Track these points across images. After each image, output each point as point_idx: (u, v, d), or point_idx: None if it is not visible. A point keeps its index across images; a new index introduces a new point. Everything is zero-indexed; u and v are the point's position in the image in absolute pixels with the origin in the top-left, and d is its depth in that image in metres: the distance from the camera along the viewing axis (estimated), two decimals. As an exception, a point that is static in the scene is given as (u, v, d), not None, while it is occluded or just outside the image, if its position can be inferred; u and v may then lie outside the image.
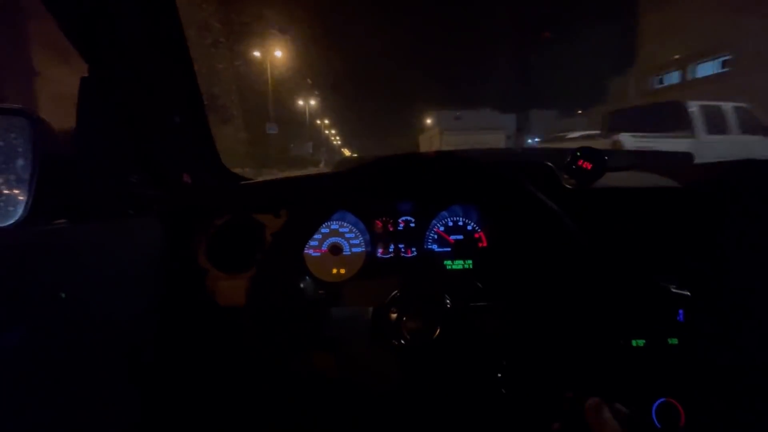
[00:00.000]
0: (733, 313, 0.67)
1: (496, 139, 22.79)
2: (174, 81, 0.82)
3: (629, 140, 4.97)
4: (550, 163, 0.81)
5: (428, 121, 31.91)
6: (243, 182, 1.01)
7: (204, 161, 0.96)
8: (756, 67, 10.13)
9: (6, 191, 0.59)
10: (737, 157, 0.78)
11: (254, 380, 0.75)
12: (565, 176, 0.83)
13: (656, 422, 0.61)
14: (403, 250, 0.87)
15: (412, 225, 0.87)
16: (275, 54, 14.25)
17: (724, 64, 12.59)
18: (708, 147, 4.95)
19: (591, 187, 0.80)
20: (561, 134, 8.67)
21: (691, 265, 0.70)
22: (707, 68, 13.35)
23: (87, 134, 0.68)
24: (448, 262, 0.85)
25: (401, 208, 0.87)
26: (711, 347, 0.67)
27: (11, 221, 0.55)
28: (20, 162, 0.59)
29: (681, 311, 0.68)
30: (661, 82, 15.42)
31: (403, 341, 0.61)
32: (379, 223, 0.87)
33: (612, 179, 0.83)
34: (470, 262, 0.85)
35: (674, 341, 0.68)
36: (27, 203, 0.55)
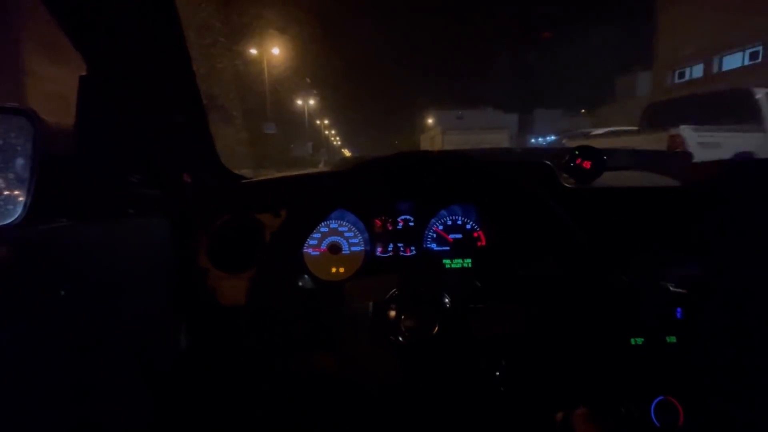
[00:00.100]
0: (732, 311, 0.67)
1: (499, 139, 22.54)
2: (173, 81, 0.82)
3: (691, 135, 4.14)
4: (549, 162, 0.82)
5: (429, 120, 31.89)
6: (243, 182, 1.01)
7: (204, 161, 0.96)
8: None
9: (6, 191, 0.59)
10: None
11: (254, 379, 0.75)
12: (564, 175, 0.83)
13: (655, 420, 0.61)
14: (402, 249, 0.87)
15: (411, 224, 0.87)
16: (274, 53, 14.27)
17: (752, 56, 11.85)
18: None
19: (590, 186, 0.81)
20: (584, 131, 7.65)
21: (689, 264, 0.70)
22: (734, 60, 12.55)
23: (87, 134, 0.68)
24: (447, 261, 0.86)
25: (400, 207, 0.87)
26: (709, 345, 0.68)
27: (10, 221, 0.55)
28: (20, 161, 0.59)
29: (679, 309, 0.68)
30: (681, 76, 14.68)
31: (401, 339, 0.61)
32: (378, 222, 0.87)
33: (611, 178, 0.83)
34: (469, 260, 0.85)
35: (673, 339, 0.68)
36: (26, 203, 0.55)
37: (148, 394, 0.74)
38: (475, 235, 0.86)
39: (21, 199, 0.57)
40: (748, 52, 12.10)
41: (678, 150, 3.89)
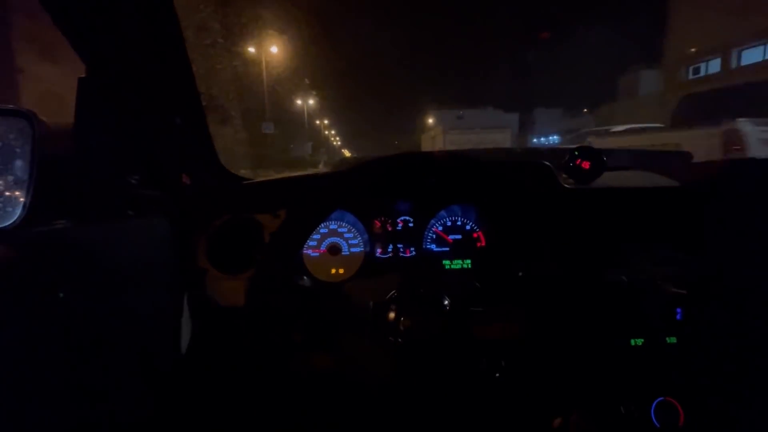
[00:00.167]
0: (732, 311, 0.67)
1: (501, 138, 22.33)
2: (173, 82, 0.82)
3: (752, 130, 3.49)
4: (548, 163, 0.82)
5: (430, 120, 31.87)
6: (242, 182, 1.01)
7: (203, 162, 0.96)
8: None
9: (5, 193, 0.59)
10: None
11: (254, 380, 0.75)
12: (564, 176, 0.83)
13: (655, 421, 0.61)
14: (401, 249, 0.87)
15: (411, 225, 0.87)
16: (273, 54, 14.26)
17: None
18: None
19: (589, 187, 0.81)
20: (602, 128, 6.83)
21: (689, 264, 0.70)
22: (754, 54, 11.54)
23: (86, 135, 0.68)
24: (446, 262, 0.86)
25: (400, 207, 0.87)
26: (709, 346, 0.67)
27: (10, 222, 0.55)
28: (19, 163, 0.59)
29: (679, 310, 0.68)
30: (696, 72, 13.76)
31: (401, 340, 0.61)
32: (377, 223, 0.87)
33: (610, 179, 0.83)
34: (469, 261, 0.85)
35: (673, 340, 0.68)
36: (26, 204, 0.55)
37: (148, 394, 0.74)
38: (475, 235, 0.86)
39: (20, 200, 0.57)
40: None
41: (736, 147, 3.38)
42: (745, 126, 3.53)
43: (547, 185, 0.79)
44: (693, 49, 13.26)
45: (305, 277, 0.85)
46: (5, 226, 0.54)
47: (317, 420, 0.66)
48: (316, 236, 0.87)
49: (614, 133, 6.14)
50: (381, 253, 0.87)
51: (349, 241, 0.87)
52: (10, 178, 0.59)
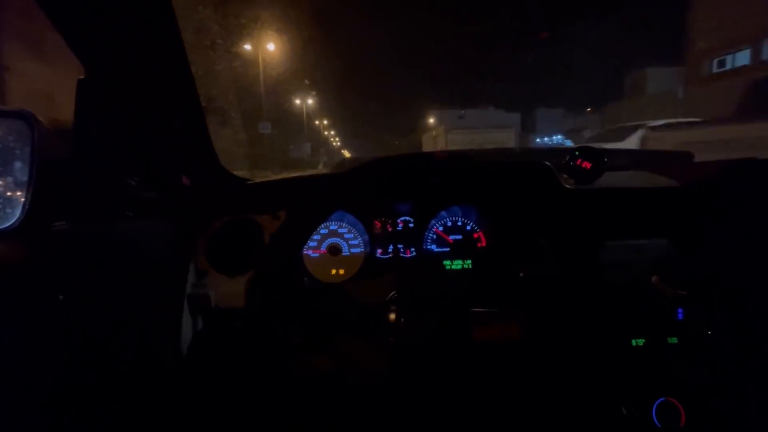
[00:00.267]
0: (732, 311, 0.67)
1: (505, 137, 21.98)
2: (172, 83, 0.82)
3: None
4: (548, 163, 0.82)
5: (431, 120, 31.80)
6: (242, 183, 1.01)
7: (202, 162, 0.96)
8: None
9: (5, 194, 0.59)
10: None
11: (254, 380, 0.75)
12: (565, 176, 0.83)
13: (656, 422, 0.61)
14: (402, 250, 0.87)
15: (411, 225, 0.87)
16: (273, 54, 14.26)
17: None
18: None
19: (590, 187, 0.80)
20: (634, 124, 5.76)
21: (689, 264, 0.70)
22: None
23: (85, 136, 0.68)
24: (447, 262, 0.85)
25: (400, 208, 0.87)
26: (710, 346, 0.67)
27: (10, 224, 0.55)
28: (18, 165, 0.59)
29: (680, 310, 0.68)
30: (721, 65, 12.70)
31: (401, 340, 0.61)
32: (378, 224, 0.87)
33: (611, 179, 0.83)
34: (469, 261, 0.85)
35: (674, 340, 0.68)
36: (25, 206, 0.55)
37: (147, 395, 0.74)
38: (476, 236, 0.86)
39: (20, 202, 0.57)
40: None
41: None
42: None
43: (548, 186, 0.79)
44: (717, 41, 12.29)
45: (305, 278, 0.85)
46: (5, 227, 0.54)
47: (317, 420, 0.66)
48: (316, 237, 0.87)
49: (651, 128, 5.37)
50: (381, 254, 0.87)
51: (350, 242, 0.87)
52: (10, 179, 0.59)
